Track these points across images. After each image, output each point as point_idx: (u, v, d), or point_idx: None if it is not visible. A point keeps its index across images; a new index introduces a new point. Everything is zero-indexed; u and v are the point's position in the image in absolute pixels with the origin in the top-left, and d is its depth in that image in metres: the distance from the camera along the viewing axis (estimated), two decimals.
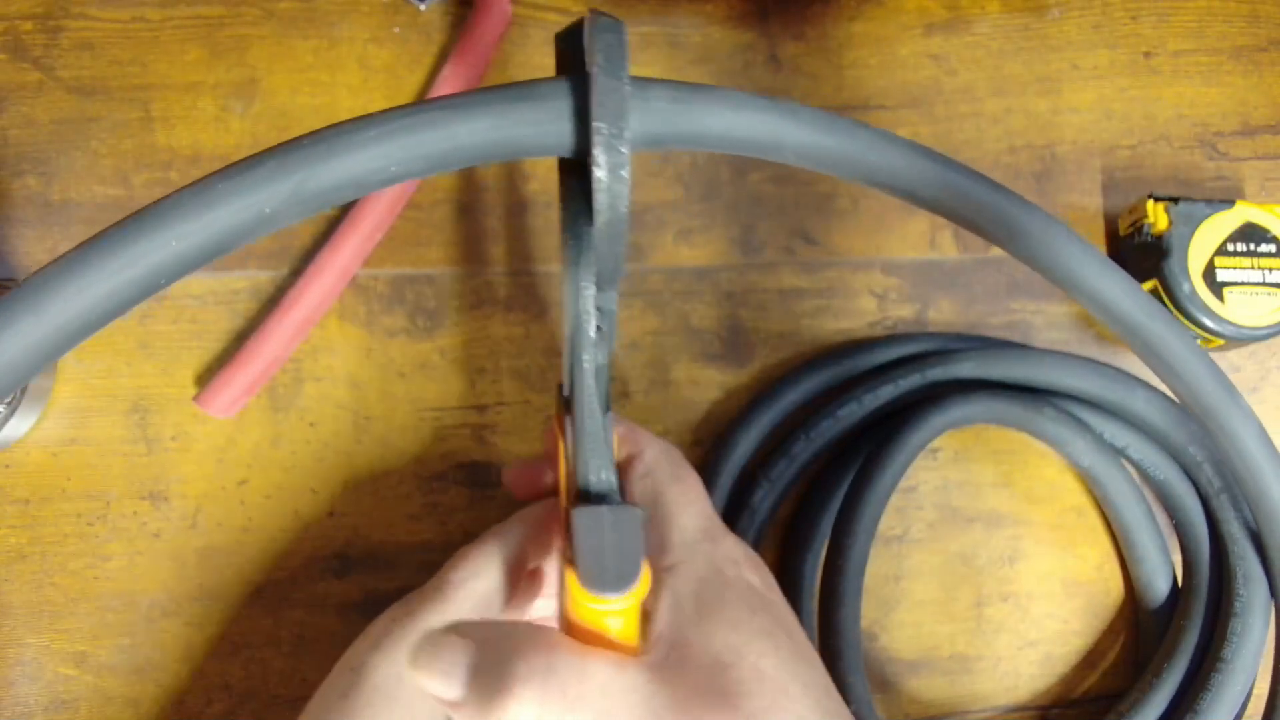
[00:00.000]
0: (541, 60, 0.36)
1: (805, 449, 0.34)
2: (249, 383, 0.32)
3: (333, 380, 0.34)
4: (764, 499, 0.34)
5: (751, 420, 0.34)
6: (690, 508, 0.24)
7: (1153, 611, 0.36)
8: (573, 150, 0.18)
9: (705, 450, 0.35)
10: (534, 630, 0.20)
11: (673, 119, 0.18)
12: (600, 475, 0.20)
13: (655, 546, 0.23)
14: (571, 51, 0.19)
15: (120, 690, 0.32)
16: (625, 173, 0.17)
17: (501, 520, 0.28)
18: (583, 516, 0.19)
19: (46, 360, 0.16)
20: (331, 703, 0.25)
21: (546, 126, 0.18)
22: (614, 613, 0.19)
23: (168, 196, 0.16)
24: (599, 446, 0.20)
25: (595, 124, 0.17)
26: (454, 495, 0.34)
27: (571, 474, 0.22)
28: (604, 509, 0.19)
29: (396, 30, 0.36)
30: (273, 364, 0.33)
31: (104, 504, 0.32)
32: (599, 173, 0.17)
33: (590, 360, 0.20)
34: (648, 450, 0.26)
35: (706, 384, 0.36)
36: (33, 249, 0.33)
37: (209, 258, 0.17)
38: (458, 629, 0.21)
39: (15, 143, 0.33)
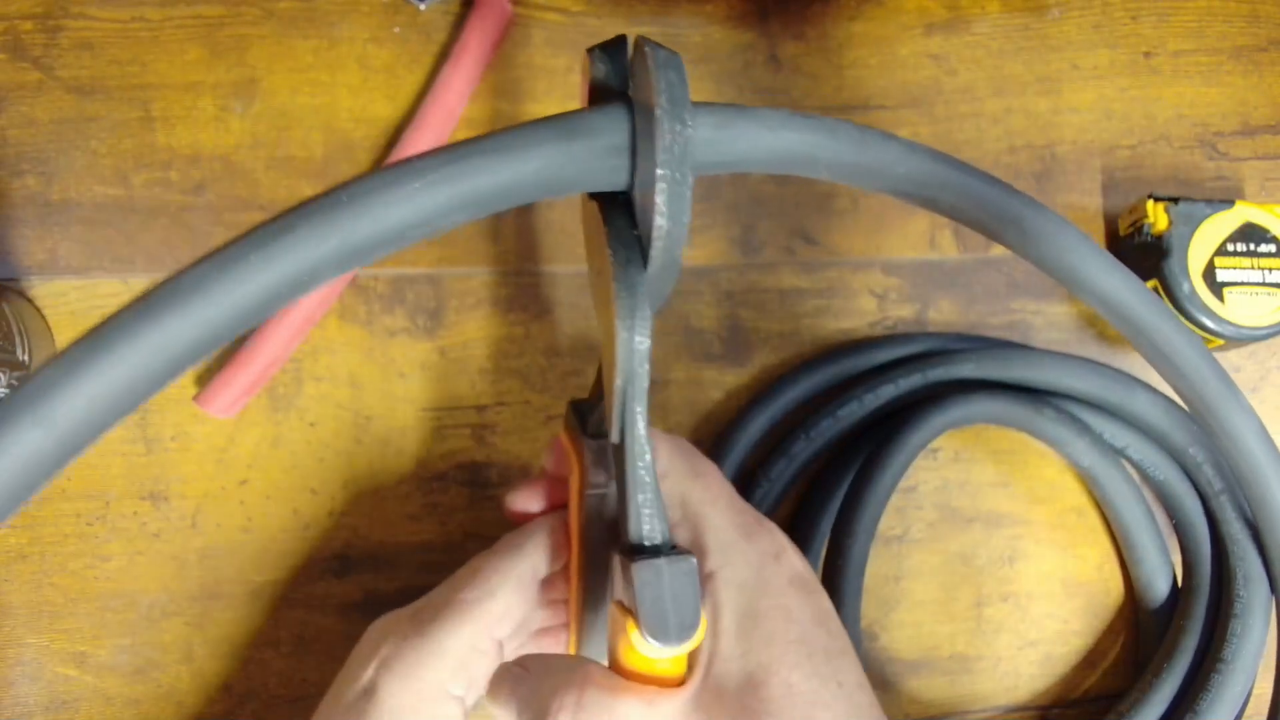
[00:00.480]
0: (543, 60, 0.36)
1: (805, 449, 0.34)
2: (249, 383, 0.32)
3: (333, 380, 0.34)
4: (764, 499, 0.34)
5: (751, 420, 0.34)
6: (719, 503, 0.23)
7: (1153, 611, 0.36)
8: (625, 186, 0.17)
9: (705, 450, 0.35)
10: (573, 666, 0.21)
11: (717, 147, 0.17)
12: (653, 525, 0.20)
13: (693, 552, 0.22)
14: (611, 72, 0.18)
15: (120, 690, 0.32)
16: (687, 218, 0.17)
17: (501, 519, 0.28)
18: (643, 571, 0.19)
19: (51, 473, 0.14)
20: None
21: (600, 163, 0.17)
22: (669, 659, 0.20)
23: (189, 270, 0.14)
24: (650, 497, 0.20)
25: (660, 171, 0.16)
26: (454, 495, 0.34)
27: (583, 498, 0.23)
28: (661, 562, 0.19)
29: (396, 30, 0.36)
30: (273, 364, 0.33)
31: (104, 504, 0.32)
32: (661, 220, 0.16)
33: (644, 412, 0.19)
34: (660, 450, 0.25)
35: (706, 384, 0.36)
36: (32, 249, 0.33)
37: (234, 335, 0.15)
38: (523, 662, 0.22)
39: (15, 142, 0.33)
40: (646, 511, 0.20)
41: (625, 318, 0.18)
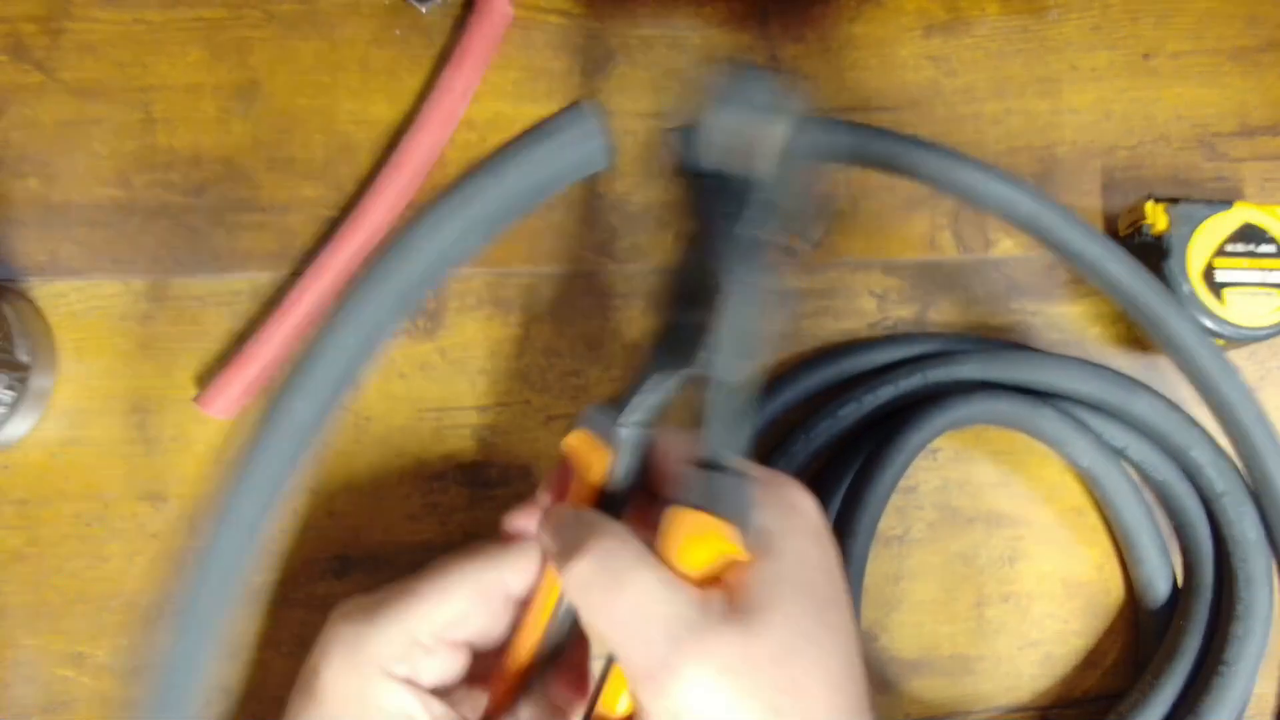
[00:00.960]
0: (543, 62, 0.36)
1: (805, 448, 0.34)
2: (249, 383, 0.32)
3: None
4: None
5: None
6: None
7: (1153, 612, 0.36)
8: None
9: None
10: (617, 527, 0.24)
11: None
12: (738, 453, 0.23)
13: None
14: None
15: (118, 691, 0.32)
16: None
17: (498, 520, 0.28)
18: (729, 481, 0.22)
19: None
20: (297, 707, 0.26)
21: None
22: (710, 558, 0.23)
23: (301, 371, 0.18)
24: (744, 431, 0.23)
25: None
26: (454, 495, 0.34)
27: (602, 495, 0.26)
28: (744, 476, 0.23)
29: (397, 32, 0.36)
30: (272, 365, 0.33)
31: (103, 505, 0.32)
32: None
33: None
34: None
35: None
36: (33, 250, 0.33)
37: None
38: (578, 510, 0.25)
39: (17, 144, 0.33)
40: (742, 443, 0.23)
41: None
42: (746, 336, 0.22)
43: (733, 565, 0.23)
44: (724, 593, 0.22)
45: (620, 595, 0.22)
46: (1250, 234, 0.36)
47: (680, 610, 0.22)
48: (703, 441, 0.23)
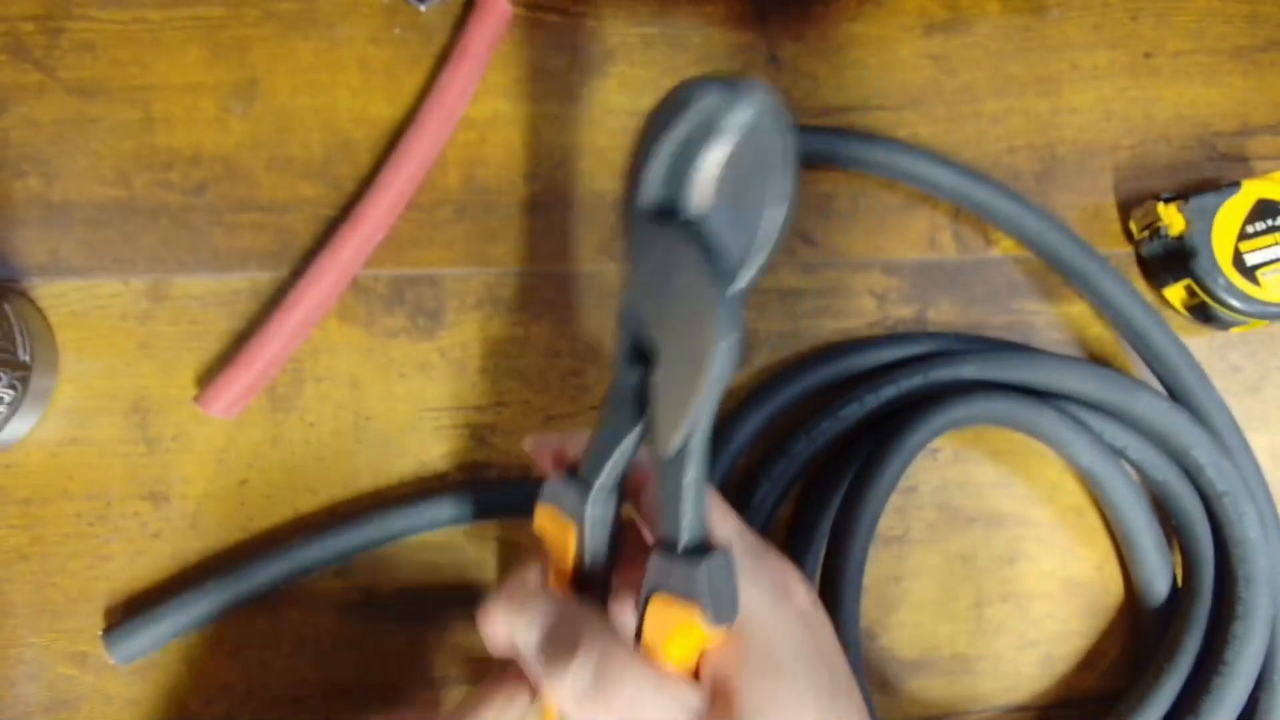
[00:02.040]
0: (542, 61, 0.36)
1: (805, 448, 0.34)
2: (250, 383, 0.32)
3: (333, 380, 0.34)
4: (764, 498, 0.34)
5: (750, 419, 0.34)
6: (723, 525, 0.24)
7: (1153, 612, 0.36)
8: None
9: None
10: (597, 623, 0.23)
11: None
12: (702, 525, 0.22)
13: None
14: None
15: (121, 690, 0.32)
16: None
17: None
18: (714, 563, 0.21)
19: None
20: None
21: None
22: (694, 645, 0.22)
23: None
24: (700, 500, 0.21)
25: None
26: None
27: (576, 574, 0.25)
28: (728, 557, 0.21)
29: (397, 31, 0.36)
30: (273, 365, 0.33)
31: (104, 504, 0.32)
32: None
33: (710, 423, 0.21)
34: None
35: None
36: (34, 249, 0.33)
37: None
38: (548, 593, 0.24)
39: (17, 143, 0.33)
40: (700, 515, 0.22)
41: (724, 335, 0.19)
42: (680, 405, 0.20)
43: (726, 658, 0.22)
44: (719, 692, 0.21)
45: (612, 704, 0.21)
46: (1266, 209, 0.36)
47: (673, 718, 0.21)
48: (662, 520, 0.22)
